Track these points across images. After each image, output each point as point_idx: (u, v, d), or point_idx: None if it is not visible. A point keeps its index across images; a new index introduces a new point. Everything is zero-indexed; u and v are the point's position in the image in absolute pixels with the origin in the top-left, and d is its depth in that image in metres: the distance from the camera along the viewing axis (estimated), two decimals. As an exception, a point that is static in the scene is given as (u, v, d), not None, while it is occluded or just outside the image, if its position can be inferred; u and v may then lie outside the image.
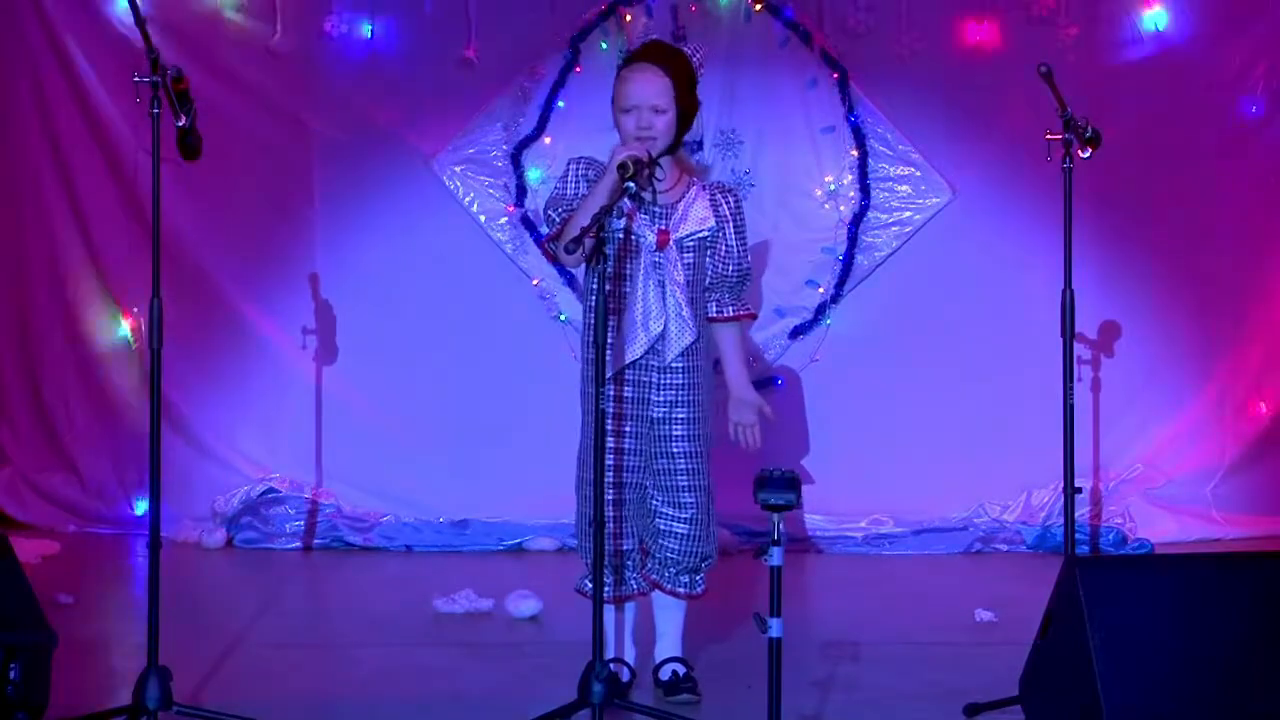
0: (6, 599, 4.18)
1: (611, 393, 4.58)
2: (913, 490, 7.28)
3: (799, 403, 7.41)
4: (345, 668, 5.18)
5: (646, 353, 4.63)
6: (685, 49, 4.81)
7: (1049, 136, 4.69)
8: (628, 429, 4.65)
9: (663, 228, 4.64)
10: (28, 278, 7.54)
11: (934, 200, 7.39)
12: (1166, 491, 7.40)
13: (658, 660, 4.80)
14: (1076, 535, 4.75)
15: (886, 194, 7.39)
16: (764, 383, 7.32)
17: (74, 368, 7.54)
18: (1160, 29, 7.37)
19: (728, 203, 4.74)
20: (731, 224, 4.73)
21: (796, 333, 7.44)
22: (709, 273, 4.74)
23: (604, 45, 7.32)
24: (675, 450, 4.67)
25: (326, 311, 7.44)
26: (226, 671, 4.99)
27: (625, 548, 4.72)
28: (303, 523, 7.26)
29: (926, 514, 7.29)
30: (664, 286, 4.62)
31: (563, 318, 7.33)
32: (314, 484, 7.39)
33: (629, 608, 4.81)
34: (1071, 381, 4.72)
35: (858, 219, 7.39)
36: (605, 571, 4.29)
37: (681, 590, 4.76)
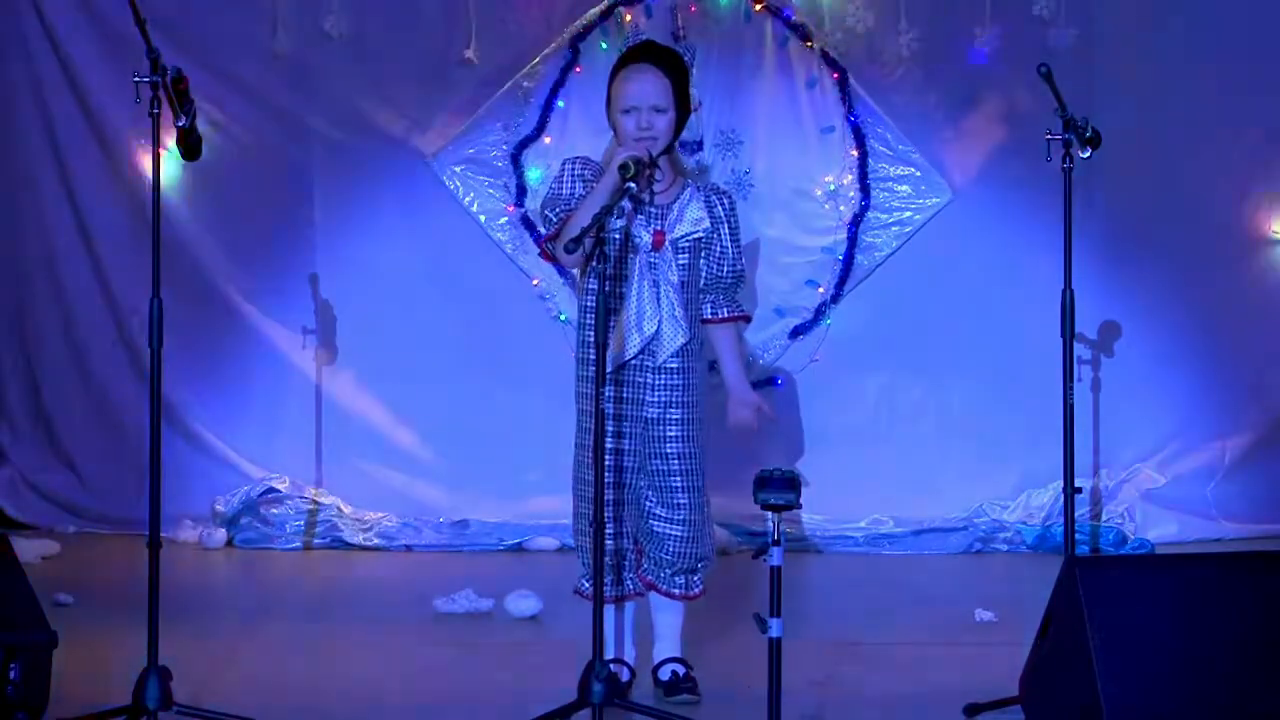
0: (6, 599, 4.18)
1: (609, 393, 4.58)
2: (913, 490, 7.28)
3: (798, 403, 7.41)
4: (345, 668, 5.18)
5: (641, 353, 4.63)
6: (677, 48, 4.80)
7: (1049, 136, 4.69)
8: (623, 429, 4.65)
9: (658, 229, 4.64)
10: (28, 278, 7.54)
11: (934, 200, 7.39)
12: (1166, 491, 7.40)
13: (657, 660, 4.80)
14: (1076, 535, 4.75)
15: (886, 194, 7.39)
16: (764, 383, 7.33)
17: (74, 368, 7.53)
18: (1160, 29, 7.36)
19: (722, 204, 4.74)
20: (726, 225, 4.73)
21: (796, 333, 7.44)
22: (703, 274, 4.74)
23: (604, 45, 7.32)
24: (670, 451, 4.67)
25: (326, 311, 7.44)
26: (226, 671, 4.99)
27: (622, 547, 4.72)
28: (303, 523, 7.26)
29: (926, 514, 7.29)
30: (658, 287, 4.62)
31: (562, 318, 7.33)
32: (314, 484, 7.39)
33: (629, 608, 4.81)
34: (1071, 381, 4.72)
35: (858, 219, 7.39)
36: (603, 571, 4.28)
37: (677, 591, 4.76)
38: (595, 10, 7.35)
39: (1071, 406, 4.72)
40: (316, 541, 7.25)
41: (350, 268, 7.44)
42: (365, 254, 7.43)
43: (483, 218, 7.43)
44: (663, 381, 4.65)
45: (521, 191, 7.39)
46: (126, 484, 7.42)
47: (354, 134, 7.42)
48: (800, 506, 4.02)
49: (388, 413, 7.42)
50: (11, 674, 4.06)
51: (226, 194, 7.37)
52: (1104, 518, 7.27)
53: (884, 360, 7.40)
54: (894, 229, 7.41)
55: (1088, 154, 4.70)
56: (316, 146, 7.44)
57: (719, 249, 4.73)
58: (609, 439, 4.57)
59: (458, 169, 7.42)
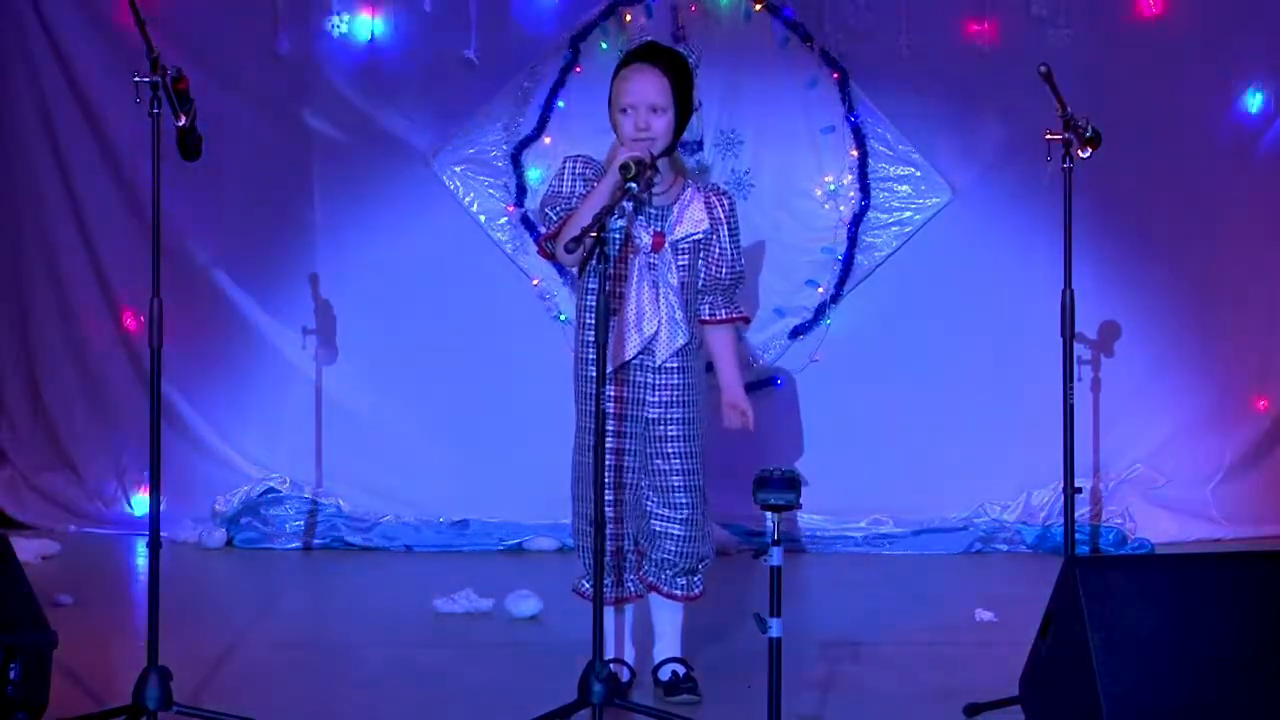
0: (6, 599, 4.18)
1: (609, 393, 4.58)
2: (913, 490, 7.28)
3: (798, 403, 7.41)
4: (345, 668, 5.18)
5: (641, 354, 4.63)
6: (681, 49, 4.80)
7: (1049, 136, 4.69)
8: (623, 430, 4.65)
9: (658, 230, 4.64)
10: (28, 278, 7.54)
11: (934, 200, 7.40)
12: (1166, 491, 7.40)
13: (657, 660, 4.80)
14: (1076, 535, 4.76)
15: (886, 194, 7.39)
16: (764, 383, 7.33)
17: (74, 368, 7.54)
18: (1160, 29, 7.36)
19: (722, 205, 4.74)
20: (726, 226, 4.73)
21: (796, 333, 7.44)
22: (703, 275, 4.74)
23: (604, 45, 7.32)
24: (670, 451, 4.67)
25: (326, 311, 7.44)
26: (226, 672, 4.99)
27: (622, 548, 4.72)
28: (303, 523, 7.27)
29: (926, 514, 7.29)
30: (657, 288, 4.62)
31: (562, 318, 7.33)
32: (314, 484, 7.39)
33: (628, 607, 4.81)
34: (1071, 381, 4.72)
35: (858, 219, 7.39)
36: (603, 572, 4.29)
37: (679, 592, 4.76)
38: (595, 10, 7.35)
39: (1071, 406, 4.72)
40: (316, 541, 7.25)
41: (350, 268, 7.44)
42: (365, 254, 7.43)
43: (483, 218, 7.43)
44: (663, 381, 4.66)
45: (521, 191, 7.39)
46: (126, 484, 7.43)
47: (354, 134, 7.42)
48: (800, 506, 4.02)
49: (388, 412, 7.42)
50: (11, 674, 4.06)
51: (226, 194, 7.37)
52: (1104, 518, 7.28)
53: (884, 360, 7.40)
54: (894, 229, 7.41)
55: (1088, 154, 4.70)
56: (316, 146, 7.44)
57: (718, 250, 4.72)
58: (611, 439, 4.57)
59: (458, 169, 7.42)
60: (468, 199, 7.42)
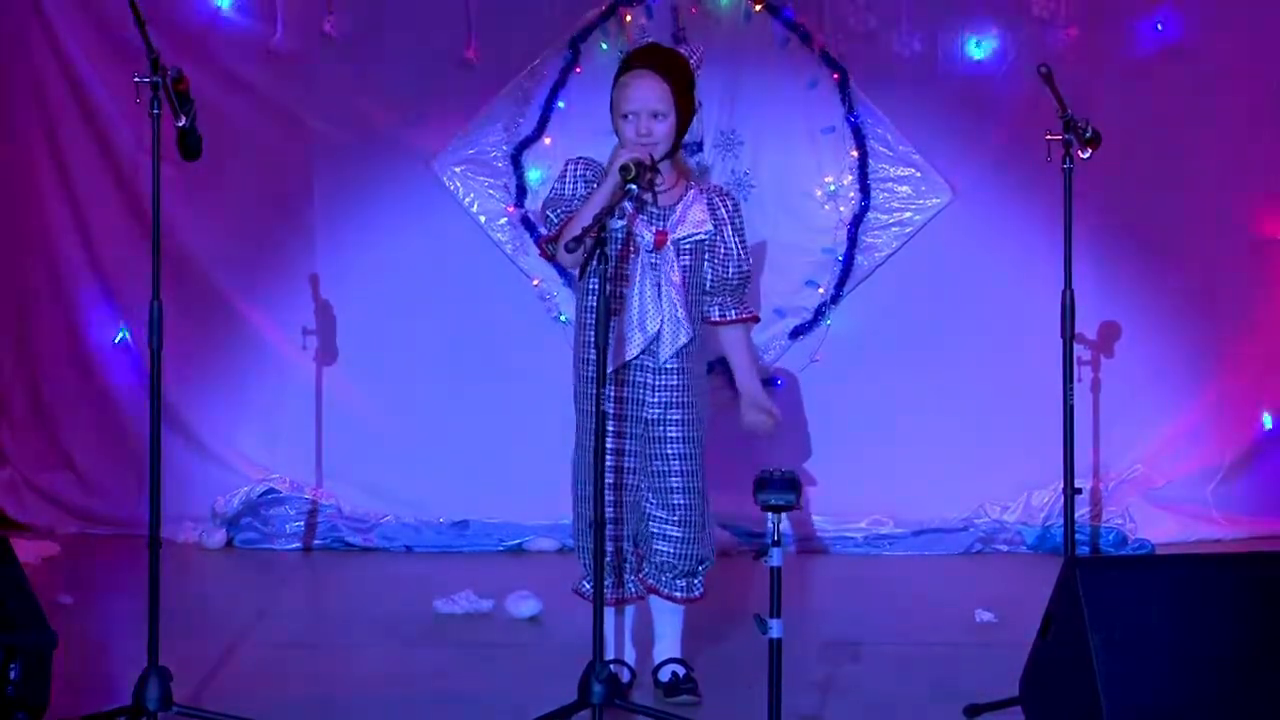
0: (7, 599, 4.18)
1: (609, 394, 4.58)
2: (913, 491, 7.28)
3: (799, 403, 7.41)
4: (345, 668, 5.19)
5: (641, 354, 4.63)
6: (682, 50, 4.81)
7: (1049, 137, 4.69)
8: (623, 430, 4.65)
9: (660, 229, 4.64)
10: (28, 278, 7.54)
11: (934, 201, 7.39)
12: (1166, 492, 7.40)
13: (657, 661, 4.80)
14: (1076, 536, 4.75)
15: (886, 194, 7.39)
16: (764, 383, 7.30)
17: (74, 368, 7.53)
18: (1161, 29, 7.37)
19: (726, 206, 4.74)
20: (730, 226, 4.73)
21: (796, 333, 7.44)
22: (709, 276, 4.74)
23: (604, 46, 7.32)
24: (670, 452, 4.67)
25: (326, 312, 7.44)
26: (226, 672, 4.99)
27: (623, 549, 4.72)
28: (303, 523, 7.26)
29: (927, 515, 7.29)
30: (659, 287, 4.62)
31: (563, 318, 7.33)
32: (314, 484, 7.39)
33: (629, 608, 4.81)
34: (1071, 382, 4.72)
35: (858, 219, 7.39)
36: (604, 573, 4.29)
37: (679, 594, 4.76)
38: (595, 11, 7.35)
39: (1071, 407, 4.72)
40: (316, 542, 7.25)
41: (350, 268, 7.44)
42: (365, 255, 7.43)
43: (483, 218, 7.43)
44: (663, 382, 4.66)
45: (521, 192, 7.39)
46: (127, 484, 7.43)
47: (354, 134, 7.42)
48: (800, 507, 4.02)
49: (387, 413, 7.41)
50: (11, 674, 4.06)
51: (226, 194, 7.37)
52: (1104, 518, 7.28)
53: (884, 361, 7.40)
54: (894, 229, 7.41)
55: (1088, 154, 4.70)
56: (316, 147, 7.44)
57: (723, 250, 4.73)
58: (611, 439, 4.57)
59: (458, 169, 7.42)
60: (468, 200, 7.42)
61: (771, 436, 4.82)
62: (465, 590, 5.95)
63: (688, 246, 4.68)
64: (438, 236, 7.41)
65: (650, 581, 4.75)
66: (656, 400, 4.66)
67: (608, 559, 4.48)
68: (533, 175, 7.37)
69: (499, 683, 4.99)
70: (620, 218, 4.54)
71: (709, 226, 4.70)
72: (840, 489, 7.21)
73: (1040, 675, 4.23)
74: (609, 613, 4.60)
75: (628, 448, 4.66)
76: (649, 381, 4.65)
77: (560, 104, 7.36)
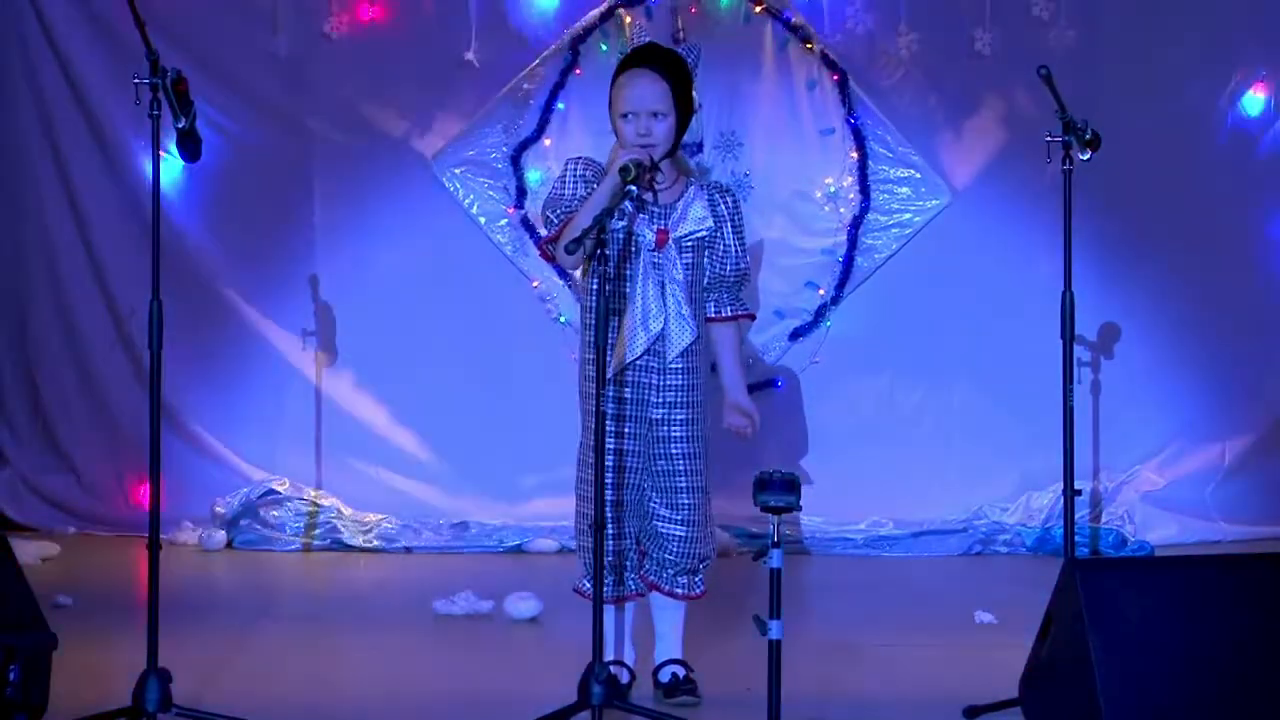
0: (6, 600, 4.18)
1: (611, 394, 4.58)
2: (912, 492, 7.28)
3: (799, 404, 7.41)
4: (345, 669, 5.19)
5: (646, 353, 4.62)
6: (680, 50, 4.81)
7: (1048, 138, 4.69)
8: (627, 430, 4.65)
9: (661, 227, 4.64)
10: (28, 278, 7.54)
11: (934, 202, 7.40)
12: (1166, 493, 7.40)
13: (657, 662, 4.80)
14: (1076, 537, 4.75)
15: (886, 196, 7.40)
16: (764, 384, 7.33)
17: (74, 368, 7.54)
18: (1160, 31, 7.36)
19: (726, 203, 4.74)
20: (730, 224, 4.73)
21: (796, 334, 7.44)
22: (708, 273, 4.74)
23: (604, 47, 7.32)
24: (675, 451, 4.67)
25: (326, 313, 7.44)
26: (226, 673, 4.99)
27: (624, 548, 4.72)
28: (302, 524, 7.26)
29: (926, 516, 7.29)
30: (663, 286, 4.62)
31: (563, 319, 7.33)
32: (314, 485, 7.39)
33: (629, 609, 4.81)
34: (1071, 383, 4.71)
35: (858, 221, 7.39)
36: (604, 572, 4.28)
37: (680, 591, 4.76)
38: (595, 12, 7.35)
39: (1071, 409, 4.72)
40: (316, 543, 7.25)
41: (350, 269, 7.44)
42: (365, 255, 7.43)
43: (483, 219, 7.43)
44: (667, 382, 4.65)
45: (521, 193, 7.39)
46: (126, 485, 7.43)
47: (354, 135, 7.42)
48: (800, 508, 4.02)
49: (387, 414, 7.42)
50: (11, 675, 4.06)
51: (226, 195, 7.37)
52: (1104, 520, 7.28)
53: (884, 362, 7.40)
54: (894, 231, 7.41)
55: (1087, 156, 4.70)
56: (316, 148, 7.44)
57: (722, 247, 4.72)
58: (612, 439, 4.57)
59: (458, 171, 7.42)
60: (467, 201, 7.42)
61: (749, 441, 4.80)
62: (465, 591, 5.94)
63: (689, 244, 4.68)
64: (438, 237, 7.42)
65: (652, 578, 4.75)
66: (661, 400, 4.66)
67: (609, 558, 4.48)
68: (532, 176, 7.38)
69: (499, 684, 4.99)
70: (620, 218, 4.54)
71: (710, 223, 4.69)
72: (840, 490, 7.20)
73: (1040, 676, 4.23)
74: (609, 613, 4.60)
75: (630, 448, 4.66)
76: (653, 381, 4.65)
77: (560, 105, 7.36)
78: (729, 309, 4.78)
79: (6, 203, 7.51)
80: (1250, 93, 7.42)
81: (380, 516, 7.33)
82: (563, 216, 4.62)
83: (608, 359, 4.27)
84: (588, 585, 4.66)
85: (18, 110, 7.45)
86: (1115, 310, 7.31)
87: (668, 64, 4.65)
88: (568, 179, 4.68)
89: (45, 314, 7.54)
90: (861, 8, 7.36)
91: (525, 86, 7.38)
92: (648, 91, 4.59)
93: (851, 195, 7.39)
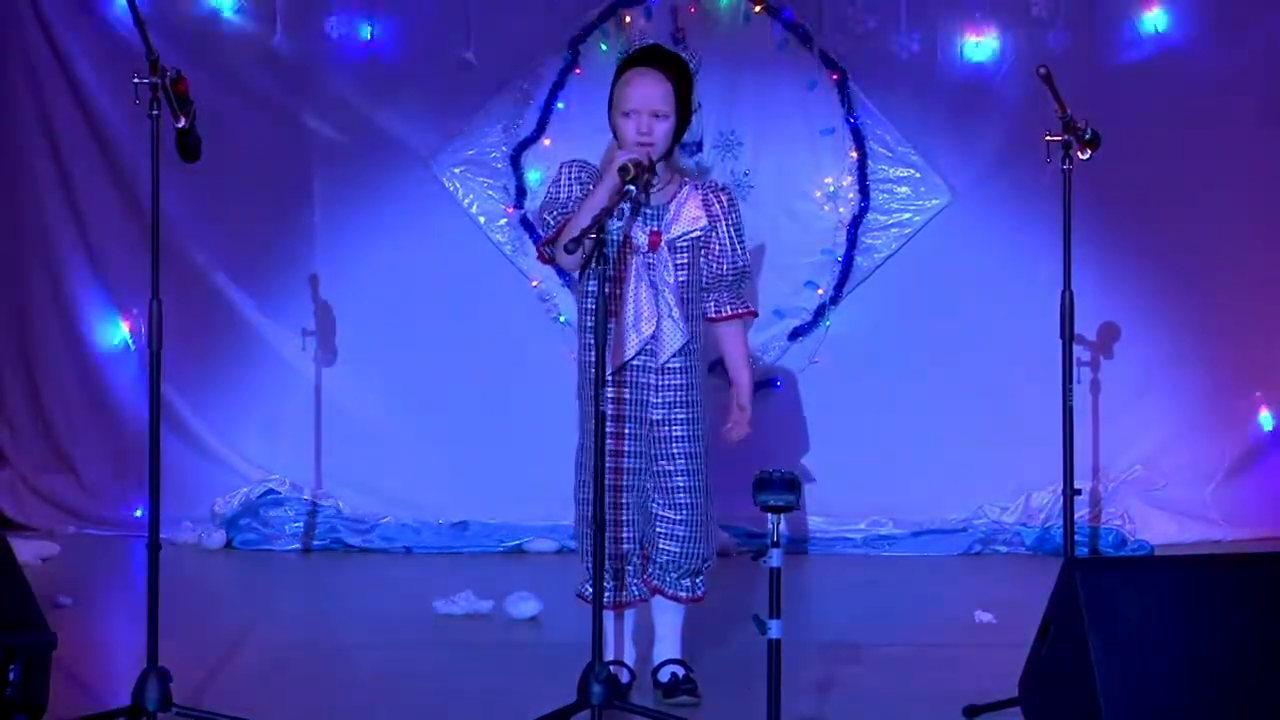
0: (6, 600, 4.18)
1: (611, 395, 4.58)
2: (912, 492, 7.28)
3: (798, 404, 7.41)
4: (345, 669, 5.19)
5: (642, 355, 4.63)
6: (683, 55, 4.81)
7: (1048, 138, 4.69)
8: (627, 430, 4.65)
9: (654, 229, 4.64)
10: (27, 278, 7.54)
11: (933, 202, 7.40)
12: (1166, 493, 7.41)
13: (657, 662, 4.80)
14: (1076, 537, 4.75)
15: (886, 195, 7.40)
16: (763, 384, 7.33)
17: (74, 368, 7.54)
18: (1160, 30, 7.37)
19: (720, 201, 4.73)
20: (725, 221, 4.72)
21: (796, 334, 7.44)
22: (705, 272, 4.73)
23: (603, 47, 7.32)
24: (675, 452, 4.67)
25: (326, 312, 7.44)
26: (226, 673, 4.99)
27: (625, 550, 4.72)
28: (302, 524, 7.26)
29: (926, 515, 7.29)
30: (655, 288, 4.62)
31: (562, 319, 7.33)
32: (313, 485, 7.39)
33: (629, 609, 4.81)
34: (1070, 383, 4.72)
35: (857, 220, 7.39)
36: (605, 575, 4.28)
37: (683, 594, 4.76)
38: (595, 12, 7.35)
39: (1071, 408, 4.72)
40: (316, 543, 7.25)
41: (350, 269, 7.44)
42: (365, 255, 7.43)
43: (482, 219, 7.43)
44: (666, 382, 4.65)
45: (521, 193, 7.39)
46: (126, 485, 7.43)
47: (354, 135, 7.42)
48: (799, 508, 4.02)
49: (387, 414, 7.41)
50: (11, 675, 4.06)
51: (226, 195, 7.37)
52: (1103, 519, 7.28)
53: (883, 362, 7.40)
54: (893, 230, 7.41)
55: (1087, 156, 4.70)
56: (316, 147, 7.44)
57: (718, 246, 4.72)
58: (612, 441, 4.57)
59: (457, 170, 7.42)
60: (467, 200, 7.42)
61: (742, 441, 4.79)
62: (465, 591, 5.95)
63: (684, 245, 4.67)
64: (437, 237, 7.41)
65: (655, 582, 4.75)
66: (660, 401, 4.66)
67: (609, 561, 4.48)
68: (532, 176, 7.37)
69: (499, 683, 4.99)
70: (619, 219, 4.54)
71: (704, 223, 4.69)
72: (840, 490, 7.21)
73: (1039, 676, 4.23)
74: (609, 613, 4.60)
75: (630, 449, 4.66)
76: (651, 382, 4.65)
77: (560, 105, 7.36)
78: (729, 308, 4.78)
79: (6, 203, 7.51)
80: (1251, 92, 7.41)
81: (380, 516, 7.33)
82: (559, 219, 4.62)
83: (606, 359, 4.27)
84: (590, 591, 4.66)
85: (18, 110, 7.45)
86: (1115, 310, 7.31)
87: (672, 66, 4.65)
88: (563, 181, 4.68)
89: (45, 314, 7.54)
90: (861, 8, 7.35)
91: (525, 86, 7.38)
92: (651, 91, 4.59)
93: (851, 195, 7.39)
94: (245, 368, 7.47)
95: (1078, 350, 7.03)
